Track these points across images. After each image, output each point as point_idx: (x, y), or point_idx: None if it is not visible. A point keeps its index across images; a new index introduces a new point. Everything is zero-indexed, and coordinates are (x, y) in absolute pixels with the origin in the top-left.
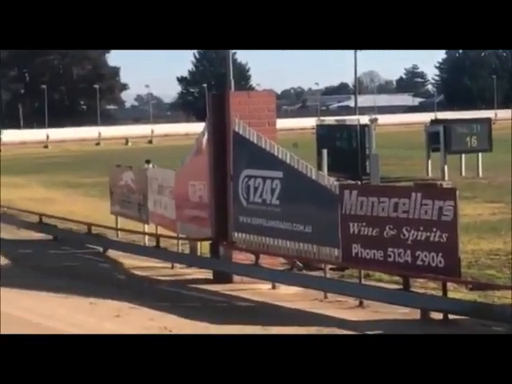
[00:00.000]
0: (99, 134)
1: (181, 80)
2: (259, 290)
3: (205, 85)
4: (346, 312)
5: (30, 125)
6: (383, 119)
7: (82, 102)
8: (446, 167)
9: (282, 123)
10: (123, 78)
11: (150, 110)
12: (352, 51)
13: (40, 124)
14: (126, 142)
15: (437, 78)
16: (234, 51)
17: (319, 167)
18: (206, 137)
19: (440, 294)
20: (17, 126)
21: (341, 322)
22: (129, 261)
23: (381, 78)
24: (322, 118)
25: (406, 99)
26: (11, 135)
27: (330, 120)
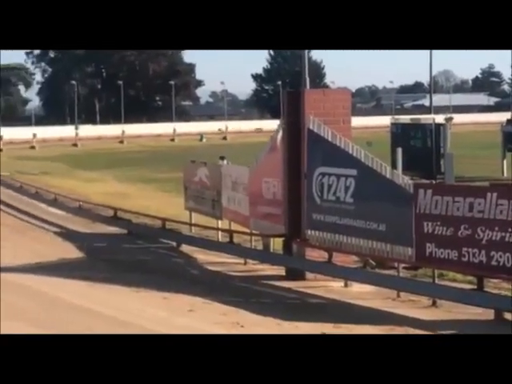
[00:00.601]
0: (174, 129)
1: (255, 77)
2: (331, 288)
3: (279, 82)
4: (419, 311)
5: (106, 120)
6: (458, 118)
7: (157, 98)
8: None
9: (357, 121)
10: (198, 74)
11: (224, 106)
12: (427, 50)
13: (116, 119)
14: (201, 139)
15: None
16: None
17: (393, 166)
18: (280, 134)
19: None
20: (93, 122)
21: (414, 321)
22: (202, 256)
23: (456, 78)
24: (396, 116)
25: (482, 99)
26: (88, 130)
27: (404, 119)
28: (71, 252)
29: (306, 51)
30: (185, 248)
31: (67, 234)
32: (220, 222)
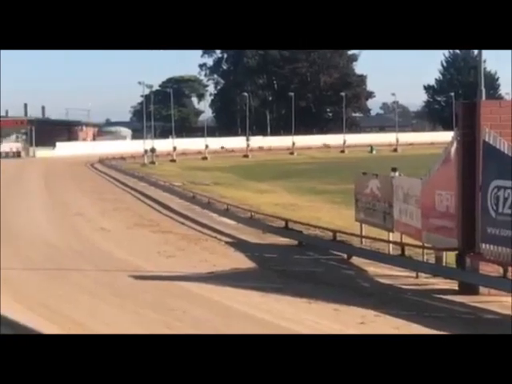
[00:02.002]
0: (344, 141)
1: (427, 88)
2: (507, 303)
3: (452, 93)
4: None
5: (276, 131)
6: None
7: (328, 110)
8: None
9: None
10: (369, 85)
11: (395, 118)
12: None
13: (286, 131)
14: (371, 150)
15: None
16: (484, 59)
17: None
18: (454, 146)
19: None
20: (264, 133)
21: None
22: (373, 268)
23: None
24: None
25: None
26: (258, 141)
27: None
28: (243, 262)
29: (482, 61)
30: (355, 260)
31: (239, 244)
32: (391, 234)
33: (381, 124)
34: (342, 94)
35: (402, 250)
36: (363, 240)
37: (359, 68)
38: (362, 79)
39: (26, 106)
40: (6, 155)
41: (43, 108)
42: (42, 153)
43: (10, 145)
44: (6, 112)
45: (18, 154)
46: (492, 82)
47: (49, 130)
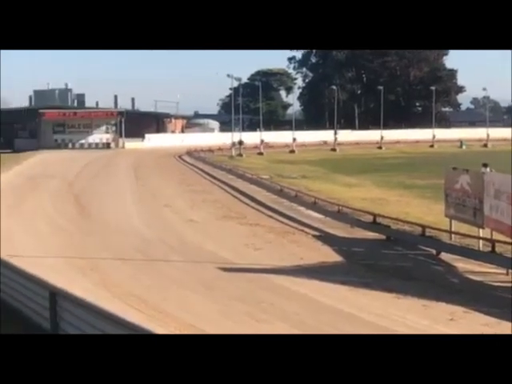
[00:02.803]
0: (433, 136)
1: None
2: None
3: None
4: None
5: (364, 125)
6: None
7: (417, 104)
8: None
9: None
10: (460, 80)
11: (486, 113)
12: None
13: (375, 125)
14: (461, 145)
15: None
16: None
17: None
18: None
19: None
20: (352, 127)
21: None
22: (462, 264)
23: None
24: None
25: None
26: (346, 135)
27: None
28: (330, 256)
29: None
30: (444, 256)
31: (326, 238)
32: (481, 230)
33: (471, 119)
34: (432, 88)
35: (493, 247)
36: (453, 236)
37: (449, 62)
38: (452, 73)
39: (116, 97)
40: (96, 146)
41: (133, 100)
42: (131, 144)
43: (100, 136)
44: (97, 103)
45: (107, 145)
46: None
47: (138, 122)
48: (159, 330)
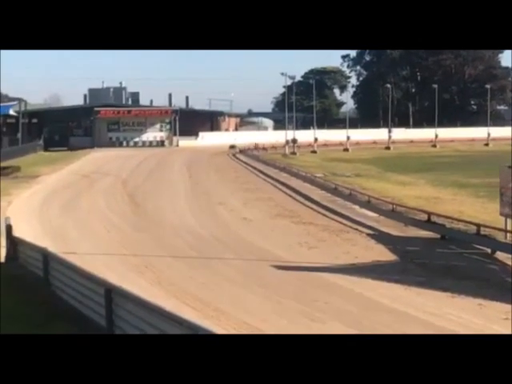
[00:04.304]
0: (488, 134)
1: None
2: None
3: None
4: None
5: (418, 124)
6: None
7: (472, 102)
8: None
9: None
10: None
11: None
12: None
13: (429, 123)
14: None
15: None
16: None
17: None
18: None
19: None
20: (406, 125)
21: None
22: None
23: None
24: None
25: None
26: (400, 134)
27: None
28: (384, 254)
29: None
30: (500, 255)
31: (380, 237)
32: None
33: None
34: (487, 86)
35: None
36: (508, 234)
37: (505, 60)
38: (507, 72)
39: (170, 95)
40: (150, 144)
41: (187, 98)
42: (185, 142)
43: (155, 134)
44: (151, 102)
45: (161, 143)
46: None
47: (192, 120)
48: (215, 328)
